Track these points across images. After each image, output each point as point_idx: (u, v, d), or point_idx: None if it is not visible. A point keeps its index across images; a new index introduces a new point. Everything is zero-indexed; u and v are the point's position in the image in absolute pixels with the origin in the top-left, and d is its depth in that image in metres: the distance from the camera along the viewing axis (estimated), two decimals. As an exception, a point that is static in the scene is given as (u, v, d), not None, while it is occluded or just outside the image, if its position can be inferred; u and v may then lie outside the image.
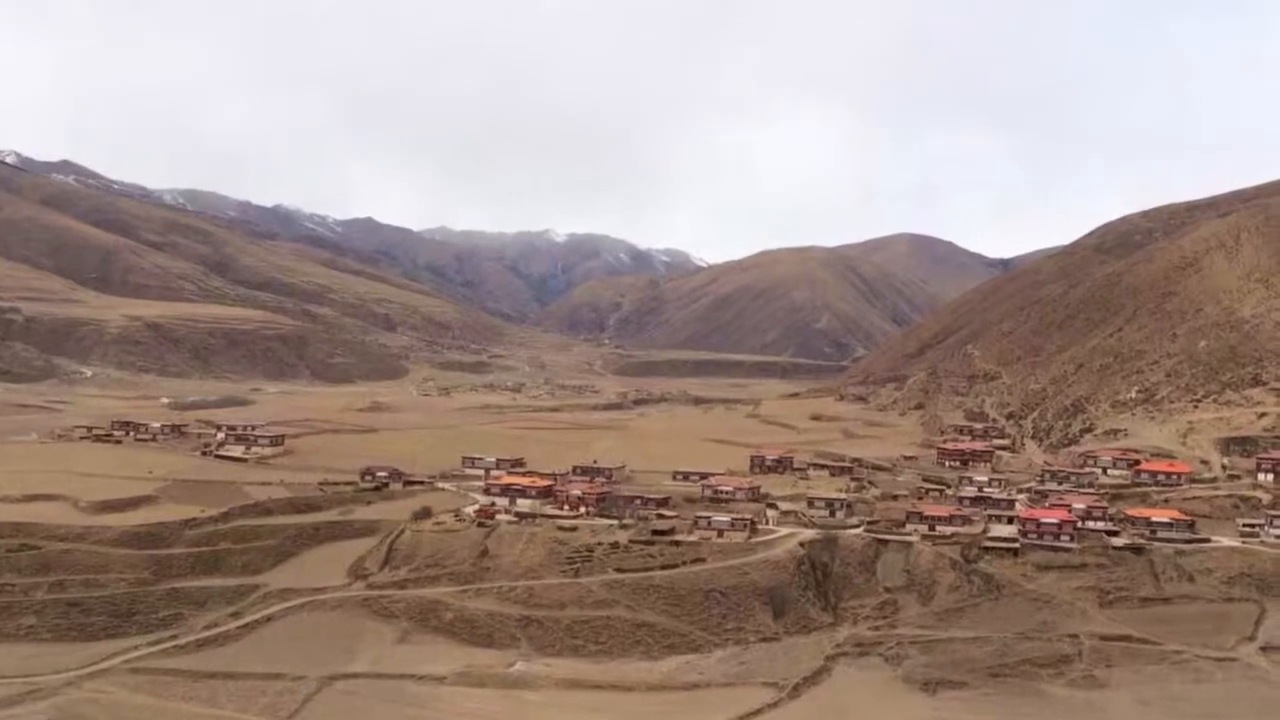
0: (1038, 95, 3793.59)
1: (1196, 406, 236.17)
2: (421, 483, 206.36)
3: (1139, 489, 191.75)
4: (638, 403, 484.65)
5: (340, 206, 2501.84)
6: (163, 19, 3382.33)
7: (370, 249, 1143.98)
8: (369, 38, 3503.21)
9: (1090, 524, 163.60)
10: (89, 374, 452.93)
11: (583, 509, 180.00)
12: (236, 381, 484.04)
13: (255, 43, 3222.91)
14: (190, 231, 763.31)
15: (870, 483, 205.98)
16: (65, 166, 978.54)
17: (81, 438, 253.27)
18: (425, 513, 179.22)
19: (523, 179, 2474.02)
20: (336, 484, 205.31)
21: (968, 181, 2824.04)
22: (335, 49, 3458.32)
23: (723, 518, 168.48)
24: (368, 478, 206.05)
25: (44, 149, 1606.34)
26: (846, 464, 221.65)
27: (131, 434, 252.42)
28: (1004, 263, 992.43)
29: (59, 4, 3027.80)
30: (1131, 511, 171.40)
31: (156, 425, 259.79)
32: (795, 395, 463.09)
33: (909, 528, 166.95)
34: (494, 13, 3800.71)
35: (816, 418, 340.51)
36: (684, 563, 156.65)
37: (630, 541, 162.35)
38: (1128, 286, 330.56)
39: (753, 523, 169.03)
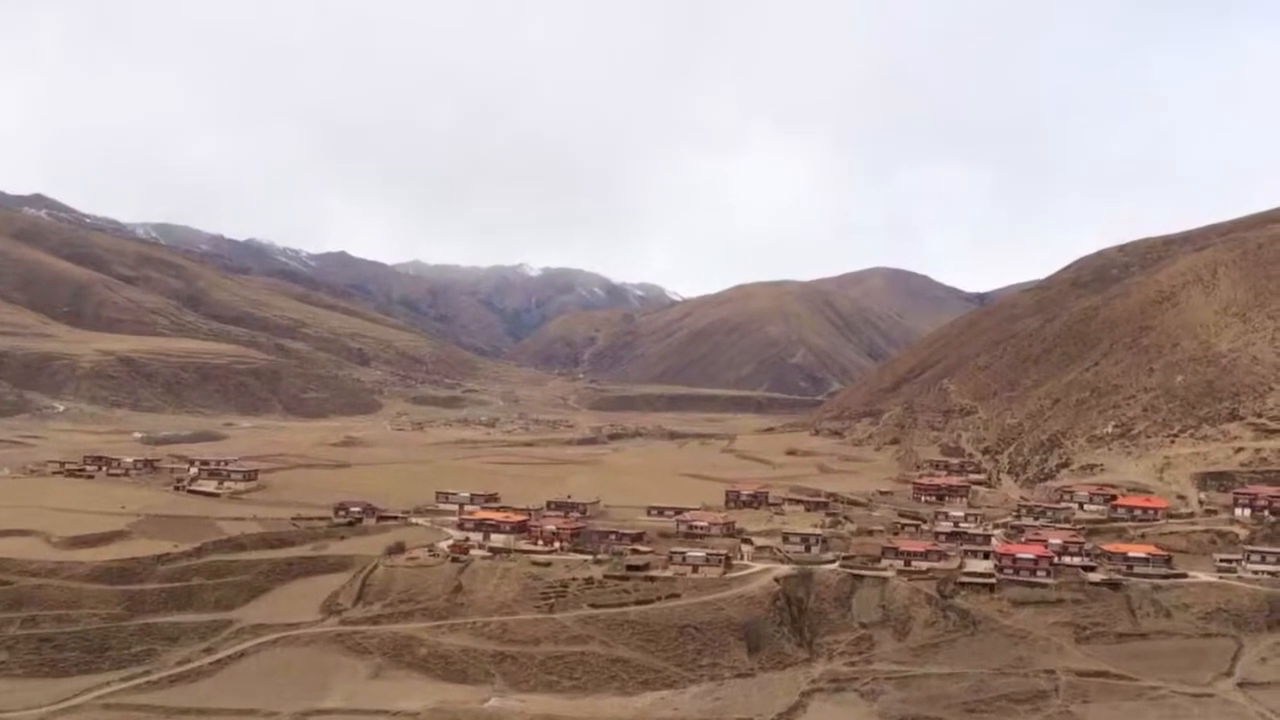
0: (1014, 129, 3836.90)
1: (1173, 441, 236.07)
2: (395, 518, 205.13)
3: (1116, 524, 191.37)
4: (612, 438, 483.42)
5: (314, 240, 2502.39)
6: (136, 52, 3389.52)
7: (344, 283, 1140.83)
8: (343, 71, 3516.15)
9: (1067, 559, 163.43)
10: (61, 409, 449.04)
11: (557, 544, 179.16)
12: (209, 416, 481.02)
13: (229, 76, 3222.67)
14: (163, 266, 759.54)
15: (846, 518, 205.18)
16: (38, 200, 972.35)
17: (54, 473, 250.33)
18: (399, 548, 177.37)
19: (497, 213, 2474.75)
20: (310, 519, 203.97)
21: (945, 215, 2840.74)
22: (310, 82, 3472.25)
23: (697, 553, 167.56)
24: (341, 513, 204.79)
25: (16, 183, 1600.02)
26: (822, 499, 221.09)
27: (104, 469, 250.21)
28: (980, 297, 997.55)
29: (32, 37, 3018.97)
30: (1108, 547, 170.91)
31: (129, 460, 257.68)
32: (771, 430, 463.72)
33: (885, 563, 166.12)
34: (469, 46, 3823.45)
35: (792, 452, 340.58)
36: (658, 598, 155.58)
37: (605, 577, 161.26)
38: (1104, 321, 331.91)
39: (728, 558, 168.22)
